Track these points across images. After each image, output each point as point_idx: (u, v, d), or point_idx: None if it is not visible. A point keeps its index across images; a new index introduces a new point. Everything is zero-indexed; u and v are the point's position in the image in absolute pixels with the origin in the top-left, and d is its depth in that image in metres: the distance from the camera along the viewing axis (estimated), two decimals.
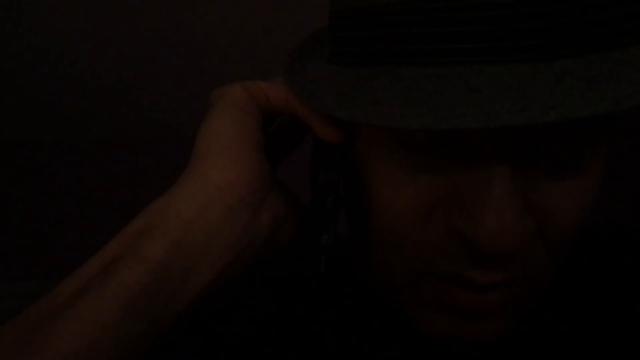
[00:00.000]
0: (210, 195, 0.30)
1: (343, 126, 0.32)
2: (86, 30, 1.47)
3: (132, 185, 1.91)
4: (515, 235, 0.27)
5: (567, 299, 0.40)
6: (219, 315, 0.41)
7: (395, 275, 0.33)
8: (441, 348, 0.38)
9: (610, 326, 0.39)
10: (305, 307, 0.41)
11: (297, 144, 0.38)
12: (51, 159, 2.02)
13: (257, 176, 0.32)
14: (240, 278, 0.33)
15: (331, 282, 0.41)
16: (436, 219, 0.30)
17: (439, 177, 0.29)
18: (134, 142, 2.01)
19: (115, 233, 0.31)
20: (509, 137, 0.27)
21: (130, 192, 1.87)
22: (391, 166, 0.30)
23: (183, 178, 0.32)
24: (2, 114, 1.84)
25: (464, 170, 0.28)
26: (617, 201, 1.65)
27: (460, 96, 0.25)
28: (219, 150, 0.31)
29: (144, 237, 0.29)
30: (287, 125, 0.37)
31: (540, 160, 0.29)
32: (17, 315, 0.28)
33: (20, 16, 1.41)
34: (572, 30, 0.25)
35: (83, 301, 0.28)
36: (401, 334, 0.38)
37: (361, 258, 0.39)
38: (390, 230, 0.32)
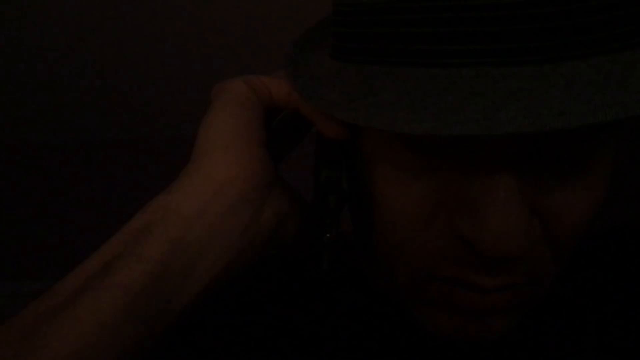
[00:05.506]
0: (211, 192, 0.30)
1: (346, 122, 0.32)
2: (85, 30, 1.46)
3: (133, 186, 1.91)
4: (520, 239, 0.26)
5: (569, 299, 0.40)
6: (222, 313, 0.40)
7: (399, 276, 0.33)
8: (444, 346, 0.37)
9: (611, 326, 0.39)
10: (309, 305, 0.40)
11: (299, 140, 0.38)
12: (51, 159, 2.02)
13: (259, 173, 0.31)
14: (243, 276, 0.33)
15: (335, 279, 0.41)
16: (440, 222, 0.29)
17: (443, 179, 0.29)
18: (133, 142, 2.01)
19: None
20: (515, 141, 0.26)
21: (131, 193, 1.86)
22: (395, 167, 0.30)
23: (183, 175, 0.31)
24: (2, 114, 1.83)
25: (469, 173, 0.28)
26: (621, 201, 1.65)
27: (464, 100, 0.24)
28: (220, 146, 0.31)
29: (143, 236, 0.29)
30: (289, 120, 0.37)
31: (547, 163, 0.28)
32: (15, 315, 0.28)
33: (19, 17, 1.41)
34: (579, 31, 0.24)
35: (81, 301, 0.27)
36: (405, 332, 0.38)
37: (365, 256, 0.38)
38: (393, 231, 0.31)
